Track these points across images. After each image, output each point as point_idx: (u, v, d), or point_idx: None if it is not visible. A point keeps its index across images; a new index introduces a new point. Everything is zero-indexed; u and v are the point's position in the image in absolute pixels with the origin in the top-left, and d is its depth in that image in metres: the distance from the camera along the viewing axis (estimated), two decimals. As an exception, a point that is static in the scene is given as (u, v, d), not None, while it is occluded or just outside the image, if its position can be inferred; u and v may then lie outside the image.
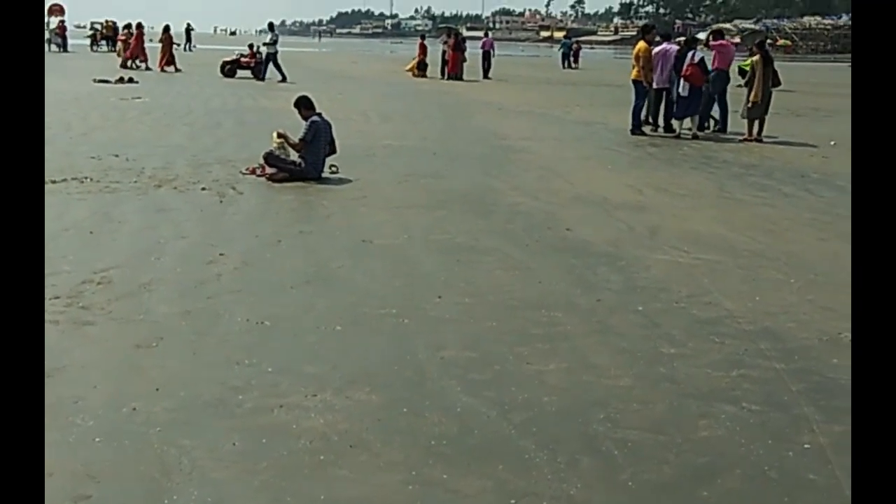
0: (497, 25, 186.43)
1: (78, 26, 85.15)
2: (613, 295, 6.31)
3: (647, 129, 15.92)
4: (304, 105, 10.56)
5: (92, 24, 55.39)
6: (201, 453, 3.79)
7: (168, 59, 30.38)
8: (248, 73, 28.40)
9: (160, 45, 30.59)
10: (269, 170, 10.28)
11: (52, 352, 4.82)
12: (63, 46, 43.23)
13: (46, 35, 41.91)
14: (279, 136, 10.51)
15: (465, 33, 32.26)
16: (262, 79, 27.18)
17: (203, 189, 9.59)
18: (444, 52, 31.60)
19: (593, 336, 5.44)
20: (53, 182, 9.63)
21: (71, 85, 22.08)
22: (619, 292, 6.38)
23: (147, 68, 29.97)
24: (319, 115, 10.51)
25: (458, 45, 30.88)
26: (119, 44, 30.94)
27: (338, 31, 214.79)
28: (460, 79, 30.43)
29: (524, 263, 7.05)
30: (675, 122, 15.66)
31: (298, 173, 10.20)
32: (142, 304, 5.71)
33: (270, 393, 4.42)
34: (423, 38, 37.14)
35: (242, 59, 28.78)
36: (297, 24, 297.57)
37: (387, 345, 5.16)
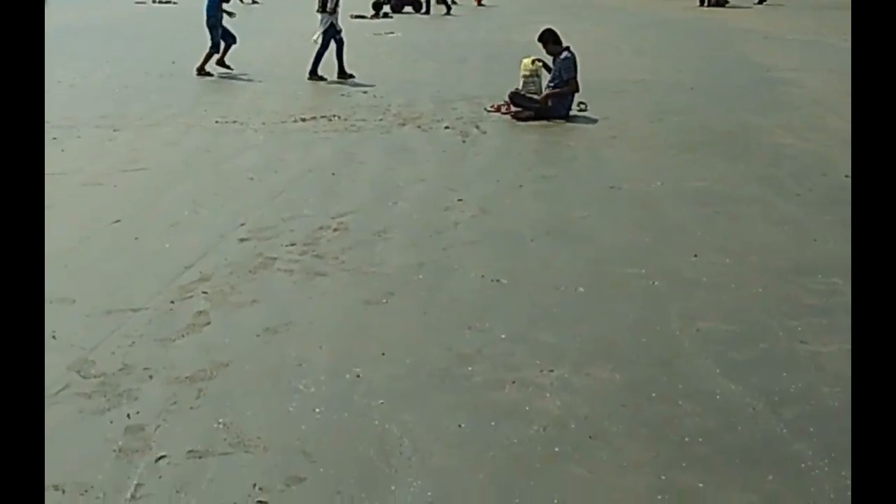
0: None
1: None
2: (906, 258, 5.35)
3: None
4: (551, 39, 9.97)
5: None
6: (423, 432, 3.44)
7: None
8: (409, 8, 27.77)
9: None
10: (514, 108, 9.84)
11: (283, 305, 4.69)
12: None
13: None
14: (534, 61, 10.00)
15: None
16: (433, 11, 26.43)
17: (446, 128, 9.31)
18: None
19: (883, 310, 4.59)
20: (303, 120, 9.72)
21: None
22: (914, 255, 5.41)
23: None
24: (567, 48, 9.89)
25: (721, -31, 28.88)
26: None
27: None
28: (722, 5, 28.47)
29: (794, 217, 6.22)
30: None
31: (544, 112, 9.67)
32: (375, 254, 5.47)
33: (502, 364, 4.00)
34: None
35: None
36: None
37: (634, 311, 4.61)
